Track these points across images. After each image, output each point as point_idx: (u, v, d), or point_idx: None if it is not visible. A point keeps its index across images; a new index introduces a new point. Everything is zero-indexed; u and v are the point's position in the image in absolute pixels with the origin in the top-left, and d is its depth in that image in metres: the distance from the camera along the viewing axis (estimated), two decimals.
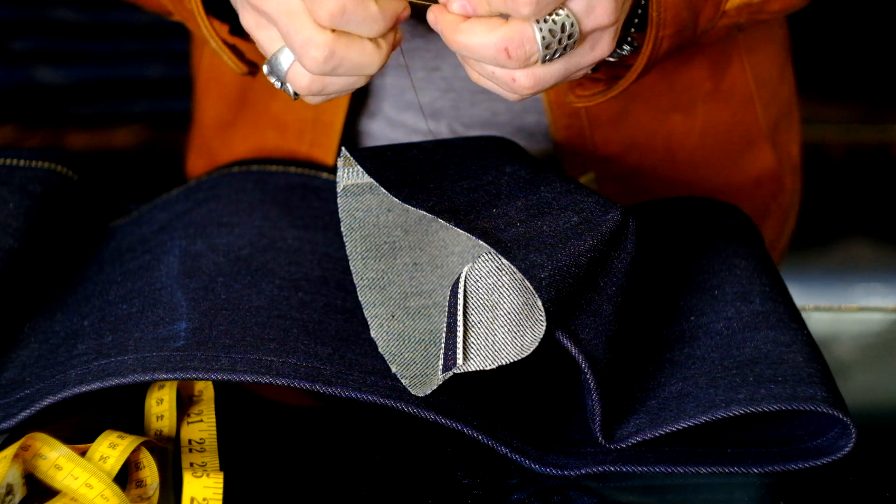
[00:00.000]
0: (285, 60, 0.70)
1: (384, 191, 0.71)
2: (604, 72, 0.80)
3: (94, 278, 0.83)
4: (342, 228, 0.74)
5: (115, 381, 0.68)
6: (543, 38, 0.67)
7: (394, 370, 0.70)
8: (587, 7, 0.68)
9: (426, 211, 0.69)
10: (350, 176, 0.75)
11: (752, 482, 0.70)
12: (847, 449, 0.68)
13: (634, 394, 0.72)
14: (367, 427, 0.73)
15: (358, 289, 0.74)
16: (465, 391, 0.71)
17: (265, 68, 0.71)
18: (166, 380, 0.70)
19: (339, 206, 0.74)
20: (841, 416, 0.68)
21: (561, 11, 0.67)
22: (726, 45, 0.98)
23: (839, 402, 0.69)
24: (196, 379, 0.69)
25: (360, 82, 0.71)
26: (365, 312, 0.73)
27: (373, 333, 0.72)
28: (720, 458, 0.69)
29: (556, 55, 0.68)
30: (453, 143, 0.79)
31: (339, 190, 0.74)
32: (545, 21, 0.67)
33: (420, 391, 0.68)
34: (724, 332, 0.75)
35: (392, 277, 0.74)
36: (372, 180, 0.73)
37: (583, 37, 0.68)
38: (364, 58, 0.68)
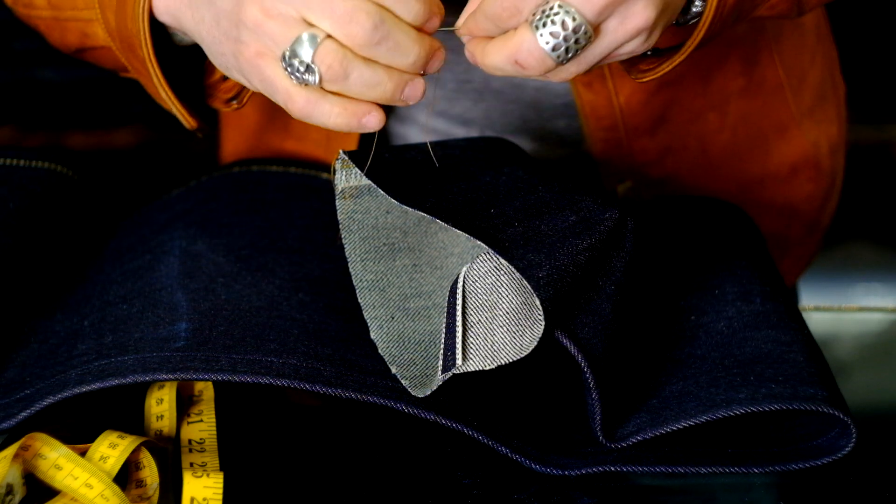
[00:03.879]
0: (310, 42, 0.66)
1: (382, 192, 0.71)
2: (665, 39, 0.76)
3: (93, 278, 0.83)
4: (341, 231, 0.74)
5: (115, 382, 0.68)
6: (547, 42, 0.65)
7: (394, 371, 0.70)
8: (618, 22, 0.65)
9: (423, 212, 0.69)
10: (348, 178, 0.75)
11: (753, 482, 0.70)
12: (847, 449, 0.68)
13: (635, 393, 0.72)
14: (367, 427, 0.73)
15: (357, 291, 0.74)
16: (466, 391, 0.71)
17: (282, 64, 0.68)
18: (166, 380, 0.70)
19: (337, 208, 0.74)
20: (842, 416, 0.68)
21: (557, 8, 0.64)
22: (756, 39, 0.98)
23: (840, 402, 0.69)
24: (196, 380, 0.69)
25: (384, 90, 0.67)
26: (364, 314, 0.73)
27: (372, 335, 0.72)
28: (721, 458, 0.69)
29: (573, 54, 0.66)
30: (452, 145, 0.79)
31: (336, 192, 0.74)
32: (543, 25, 0.65)
33: (420, 392, 0.68)
34: (724, 331, 0.75)
35: (391, 279, 0.74)
36: (370, 182, 0.73)
37: (596, 27, 0.66)
38: (408, 39, 0.65)
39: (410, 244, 0.75)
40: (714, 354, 0.73)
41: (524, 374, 0.74)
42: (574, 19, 0.65)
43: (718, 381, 0.70)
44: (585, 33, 0.65)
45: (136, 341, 0.72)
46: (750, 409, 0.68)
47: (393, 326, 0.73)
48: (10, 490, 0.64)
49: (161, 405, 0.71)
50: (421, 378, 0.70)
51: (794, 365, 0.71)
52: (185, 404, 0.72)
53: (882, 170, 1.36)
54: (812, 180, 1.05)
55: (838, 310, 0.94)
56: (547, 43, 0.65)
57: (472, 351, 0.67)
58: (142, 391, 0.72)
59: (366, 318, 0.73)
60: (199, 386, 0.73)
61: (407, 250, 0.75)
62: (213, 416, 0.71)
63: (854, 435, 0.68)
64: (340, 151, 0.74)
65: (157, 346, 0.71)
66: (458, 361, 0.66)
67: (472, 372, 0.67)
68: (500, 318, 0.67)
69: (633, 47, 0.68)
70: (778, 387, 0.69)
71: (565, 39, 0.65)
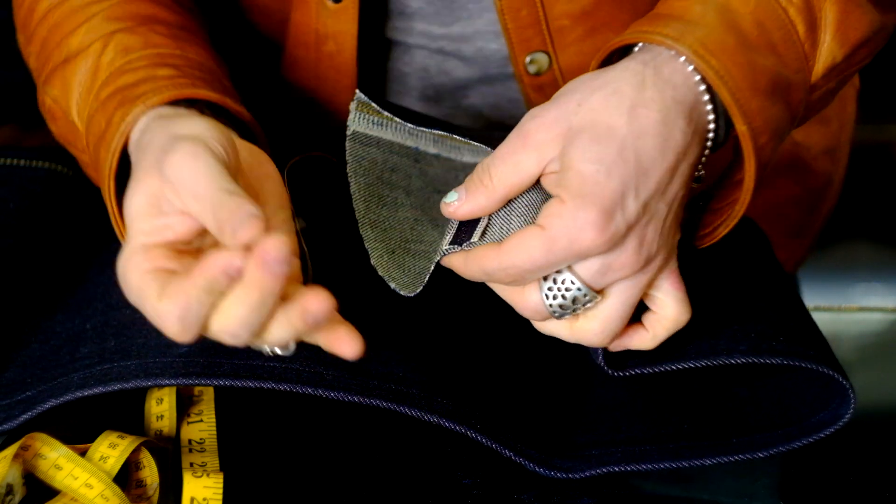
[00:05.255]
0: None
1: (389, 149, 0.72)
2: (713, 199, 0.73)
3: (95, 280, 0.82)
4: (347, 170, 0.74)
5: (117, 386, 0.68)
6: (552, 308, 0.66)
7: (392, 286, 0.70)
8: (600, 270, 0.64)
9: (431, 130, 0.73)
10: (360, 122, 0.75)
11: (753, 483, 0.70)
12: (847, 416, 0.68)
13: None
14: (368, 427, 0.73)
15: (360, 225, 0.73)
16: (469, 394, 0.71)
17: None
18: (169, 385, 0.70)
19: (346, 148, 0.74)
20: (840, 378, 0.68)
21: (571, 284, 0.65)
22: None
23: (837, 366, 0.69)
24: (198, 385, 0.69)
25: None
26: (365, 244, 0.72)
27: (373, 261, 0.72)
28: (726, 449, 0.69)
29: (570, 313, 0.66)
30: (467, 128, 0.79)
31: (348, 133, 0.74)
32: (554, 297, 0.65)
33: (410, 291, 0.69)
34: (724, 296, 0.75)
35: (393, 224, 0.74)
36: (380, 135, 0.74)
37: (603, 292, 0.66)
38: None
39: (413, 203, 0.75)
40: (715, 311, 0.73)
41: (529, 376, 0.74)
42: (585, 295, 0.65)
43: (720, 334, 0.70)
44: (586, 303, 0.66)
45: (139, 347, 0.72)
46: (751, 360, 0.68)
47: (394, 258, 0.73)
48: (10, 490, 0.64)
49: (161, 405, 0.71)
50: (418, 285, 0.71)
51: (793, 330, 0.71)
52: (185, 404, 0.72)
53: (882, 170, 1.36)
54: (799, 183, 1.03)
55: (838, 310, 0.94)
56: (551, 307, 0.66)
57: (488, 236, 0.68)
58: (142, 391, 0.72)
59: (367, 247, 0.72)
60: (198, 386, 0.73)
61: (409, 207, 0.75)
62: (213, 416, 0.71)
63: (853, 400, 0.68)
64: (358, 91, 0.74)
65: (159, 351, 0.71)
66: (475, 240, 0.67)
67: (475, 375, 0.68)
68: (518, 209, 0.67)
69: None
70: (779, 344, 0.69)
71: (573, 308, 0.66)
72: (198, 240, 0.64)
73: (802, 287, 1.19)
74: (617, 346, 0.69)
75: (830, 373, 0.68)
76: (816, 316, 0.77)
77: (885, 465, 0.72)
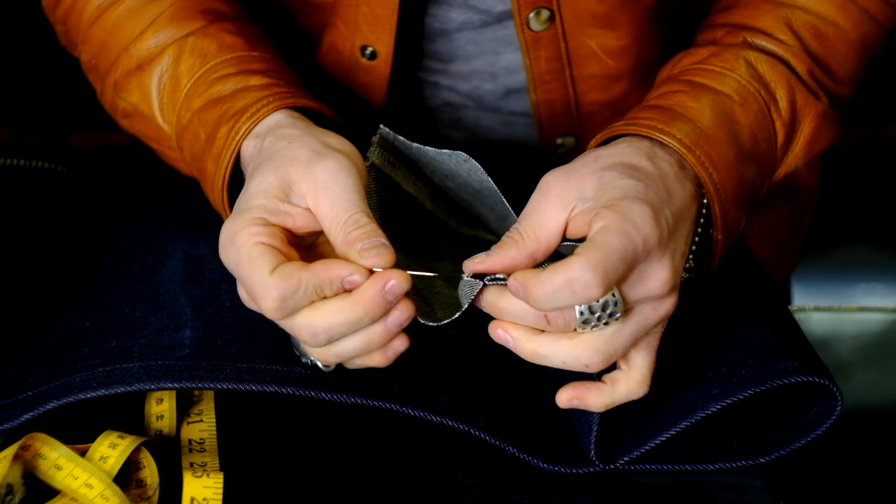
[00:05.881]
0: (297, 343, 0.70)
1: (395, 191, 0.74)
2: None
3: (94, 279, 0.83)
4: None
5: (120, 389, 0.68)
6: (583, 317, 0.64)
7: None
8: (635, 280, 0.64)
9: (442, 157, 0.74)
10: (378, 157, 0.76)
11: (752, 484, 0.70)
12: (838, 408, 0.68)
13: (621, 415, 0.71)
14: (368, 427, 0.73)
15: None
16: (472, 393, 0.71)
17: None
18: (171, 388, 0.70)
19: None
20: (818, 379, 0.68)
21: (612, 296, 0.64)
22: None
23: (815, 367, 0.69)
24: (201, 388, 0.69)
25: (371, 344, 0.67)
26: None
27: None
28: (728, 455, 0.69)
29: (594, 326, 0.65)
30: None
31: (367, 164, 0.75)
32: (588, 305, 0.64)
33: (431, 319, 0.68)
34: (688, 326, 0.75)
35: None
36: (391, 175, 0.76)
37: (628, 308, 0.65)
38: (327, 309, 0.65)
39: (401, 248, 0.76)
40: (682, 352, 0.73)
41: (529, 375, 0.74)
42: (615, 304, 0.64)
43: (692, 382, 0.70)
44: (613, 315, 0.65)
45: (140, 347, 0.72)
46: (725, 403, 0.68)
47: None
48: (10, 490, 0.64)
49: (161, 405, 0.72)
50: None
51: (763, 344, 0.71)
52: (185, 404, 0.72)
53: (882, 170, 1.36)
54: (789, 201, 1.04)
55: (838, 310, 0.94)
56: (581, 314, 0.64)
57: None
58: (142, 391, 0.72)
59: None
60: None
61: (400, 250, 0.76)
62: (213, 416, 0.71)
63: (838, 393, 0.68)
64: (382, 126, 0.76)
65: (161, 353, 0.71)
66: (501, 275, 0.67)
67: (478, 374, 0.68)
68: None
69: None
70: (749, 371, 0.69)
71: (598, 319, 0.65)
72: (309, 238, 0.69)
73: (803, 288, 1.19)
74: (574, 399, 0.67)
75: (805, 378, 0.68)
76: (816, 316, 0.77)
77: (886, 465, 0.72)
